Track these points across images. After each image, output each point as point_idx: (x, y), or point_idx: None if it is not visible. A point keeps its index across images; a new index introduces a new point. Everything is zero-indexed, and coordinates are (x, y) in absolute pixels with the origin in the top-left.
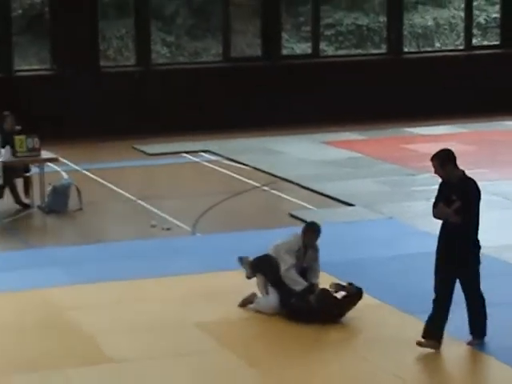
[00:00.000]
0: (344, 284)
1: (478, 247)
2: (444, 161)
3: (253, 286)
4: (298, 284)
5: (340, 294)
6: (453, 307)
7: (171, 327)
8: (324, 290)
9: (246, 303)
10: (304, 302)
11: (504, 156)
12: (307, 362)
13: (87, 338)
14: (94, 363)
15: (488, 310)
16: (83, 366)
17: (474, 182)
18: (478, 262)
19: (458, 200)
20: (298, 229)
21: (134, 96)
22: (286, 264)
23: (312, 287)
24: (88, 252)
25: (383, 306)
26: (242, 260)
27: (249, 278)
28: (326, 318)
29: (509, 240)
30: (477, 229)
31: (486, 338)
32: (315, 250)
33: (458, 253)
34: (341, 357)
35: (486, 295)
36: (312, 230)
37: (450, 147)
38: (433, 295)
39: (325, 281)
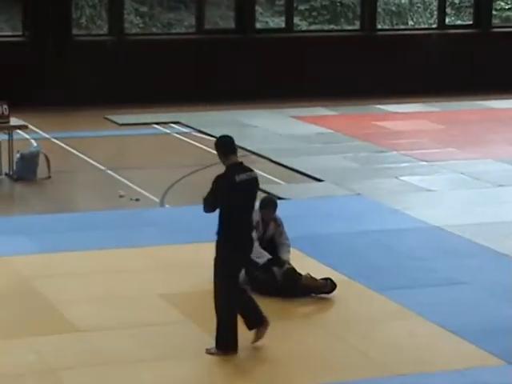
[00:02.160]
0: (319, 280)
1: (228, 245)
2: (215, 147)
3: None
4: (261, 256)
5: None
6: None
7: (136, 298)
8: (291, 269)
9: None
10: (268, 274)
11: (474, 136)
12: (271, 335)
13: (52, 307)
14: (59, 332)
15: (449, 289)
16: (47, 335)
17: (224, 174)
18: (226, 262)
19: None
20: (257, 203)
21: (107, 66)
22: None
23: (277, 260)
24: (56, 221)
25: (350, 283)
26: None
27: None
28: (291, 295)
29: (473, 219)
30: (234, 227)
31: (450, 316)
32: (277, 224)
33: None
34: (305, 332)
35: (450, 274)
36: (267, 206)
37: (420, 125)
38: (398, 271)
39: (298, 257)
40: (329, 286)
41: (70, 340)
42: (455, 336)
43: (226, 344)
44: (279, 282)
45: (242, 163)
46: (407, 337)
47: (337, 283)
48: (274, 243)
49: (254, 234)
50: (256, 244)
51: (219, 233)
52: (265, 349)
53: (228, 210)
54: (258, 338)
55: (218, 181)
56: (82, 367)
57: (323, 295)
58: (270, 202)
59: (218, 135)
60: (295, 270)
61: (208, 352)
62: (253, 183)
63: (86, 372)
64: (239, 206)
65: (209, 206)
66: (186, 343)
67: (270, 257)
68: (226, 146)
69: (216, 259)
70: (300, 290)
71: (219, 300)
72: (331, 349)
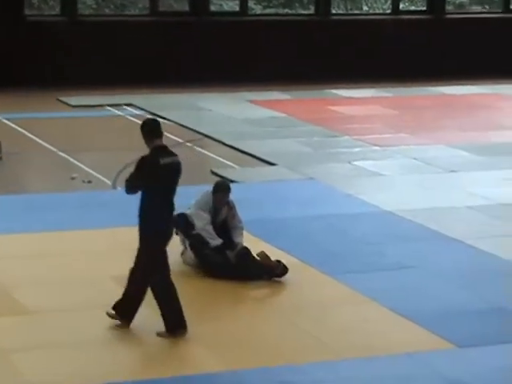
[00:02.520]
0: (272, 260)
1: (150, 227)
2: (141, 130)
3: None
4: (215, 239)
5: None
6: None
7: (87, 280)
8: (244, 248)
9: (182, 253)
10: (221, 255)
11: (426, 121)
12: (223, 318)
13: (2, 290)
14: (10, 314)
15: (401, 273)
16: None
17: (148, 156)
18: (147, 245)
19: None
20: (210, 187)
21: (60, 47)
22: (203, 220)
23: (230, 244)
24: (6, 203)
25: (303, 267)
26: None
27: (176, 233)
28: (244, 277)
29: (425, 204)
30: (156, 209)
31: (402, 300)
32: (230, 207)
33: None
34: (258, 316)
35: (401, 258)
36: (221, 190)
37: (373, 111)
38: (351, 256)
39: (250, 241)
40: (281, 267)
41: (21, 322)
42: (407, 320)
43: (173, 326)
44: (232, 263)
45: (166, 147)
46: (359, 321)
47: (290, 267)
48: (227, 227)
49: (208, 217)
50: (209, 226)
51: (141, 215)
52: (216, 332)
53: (150, 192)
54: (169, 337)
55: (142, 162)
56: (34, 349)
57: (275, 279)
58: (223, 187)
59: (171, 118)
60: (249, 252)
61: (158, 335)
62: (176, 167)
63: (37, 354)
64: (161, 188)
65: (131, 188)
66: (138, 325)
67: (221, 241)
68: (150, 129)
69: (139, 242)
70: (253, 271)
71: (139, 277)
72: (283, 333)
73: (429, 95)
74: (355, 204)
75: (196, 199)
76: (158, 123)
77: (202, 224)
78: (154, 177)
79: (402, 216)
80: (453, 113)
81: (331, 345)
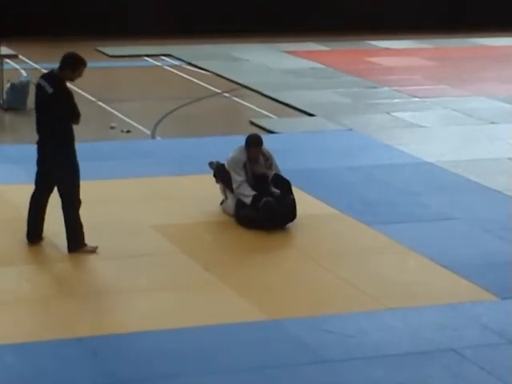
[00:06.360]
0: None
1: None
2: None
3: (209, 190)
4: (248, 195)
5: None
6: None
7: (128, 228)
8: (267, 200)
9: (222, 202)
10: (253, 209)
11: (466, 73)
12: (260, 266)
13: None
14: (46, 261)
15: (441, 224)
16: (35, 264)
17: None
18: None
19: None
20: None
21: None
22: (236, 182)
23: (265, 194)
24: None
25: (341, 216)
26: (211, 165)
27: (217, 182)
28: (274, 225)
29: (466, 155)
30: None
31: (443, 250)
32: (266, 158)
33: None
34: (295, 264)
35: (442, 209)
36: (253, 145)
37: (413, 62)
38: (390, 206)
39: None
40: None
41: (62, 269)
42: (447, 271)
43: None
44: (261, 215)
45: (48, 73)
46: (399, 271)
47: (328, 217)
48: (265, 177)
49: (242, 177)
50: (242, 187)
51: None
52: (255, 282)
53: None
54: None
55: None
56: (76, 296)
57: (311, 224)
58: (255, 141)
59: (209, 68)
60: (272, 201)
61: None
62: (38, 92)
63: (79, 301)
64: None
65: None
66: (177, 274)
67: (254, 193)
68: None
69: None
70: (281, 220)
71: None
72: (323, 282)
73: (468, 46)
74: (394, 155)
75: (231, 155)
76: (65, 57)
77: (235, 187)
78: None
79: (442, 167)
80: (493, 64)
81: (372, 294)
